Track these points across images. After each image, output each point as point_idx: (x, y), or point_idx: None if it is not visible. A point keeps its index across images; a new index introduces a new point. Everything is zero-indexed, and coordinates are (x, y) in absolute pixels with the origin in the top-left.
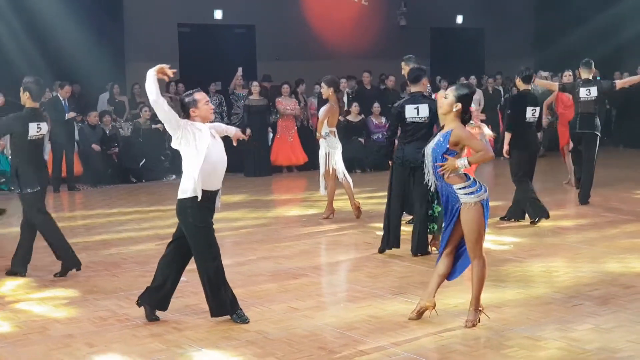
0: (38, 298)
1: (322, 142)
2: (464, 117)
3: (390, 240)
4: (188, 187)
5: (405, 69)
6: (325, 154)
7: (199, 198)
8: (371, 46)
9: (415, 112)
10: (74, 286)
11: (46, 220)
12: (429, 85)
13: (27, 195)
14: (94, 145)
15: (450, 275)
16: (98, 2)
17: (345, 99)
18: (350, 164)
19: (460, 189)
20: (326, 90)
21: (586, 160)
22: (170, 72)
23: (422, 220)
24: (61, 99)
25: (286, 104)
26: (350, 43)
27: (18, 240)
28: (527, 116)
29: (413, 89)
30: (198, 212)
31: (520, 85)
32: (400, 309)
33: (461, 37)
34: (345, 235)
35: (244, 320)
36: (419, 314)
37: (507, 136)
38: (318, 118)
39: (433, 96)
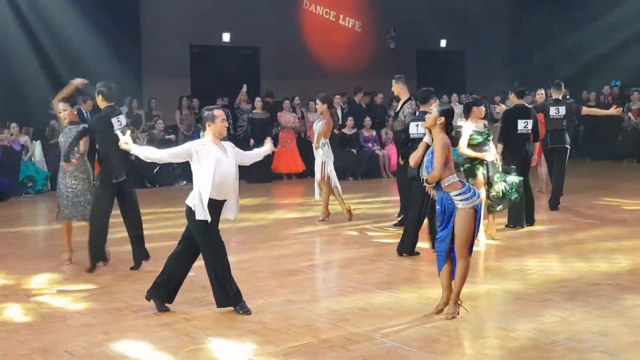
0: (60, 291)
1: (318, 152)
2: (448, 129)
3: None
4: (197, 204)
5: (395, 87)
6: (322, 162)
7: (208, 219)
8: (364, 67)
9: (416, 129)
10: (93, 280)
11: (105, 212)
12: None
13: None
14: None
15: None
16: (118, 25)
17: (339, 113)
18: (344, 173)
19: (456, 195)
20: (321, 106)
21: (557, 171)
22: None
23: (413, 223)
24: (84, 112)
25: (287, 117)
26: (345, 64)
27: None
28: (518, 128)
29: (422, 108)
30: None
31: (514, 100)
32: (387, 302)
33: (444, 59)
34: (338, 236)
35: (247, 311)
36: (442, 308)
37: (500, 147)
38: (314, 131)
39: None
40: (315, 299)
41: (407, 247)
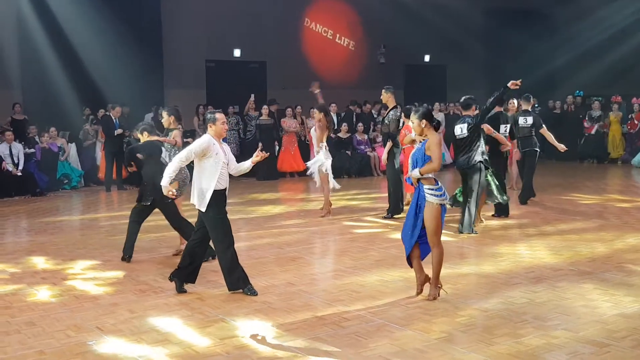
0: (92, 273)
1: (319, 154)
2: (435, 126)
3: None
4: (198, 196)
5: (384, 95)
6: (322, 162)
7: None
8: (357, 79)
9: (459, 130)
10: (120, 265)
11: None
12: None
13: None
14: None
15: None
16: (143, 41)
17: (335, 119)
18: (339, 172)
19: (428, 189)
20: (318, 115)
21: (527, 171)
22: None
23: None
24: (113, 118)
25: (289, 123)
26: (340, 76)
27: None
28: (500, 132)
29: (465, 112)
30: (216, 207)
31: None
32: (376, 285)
33: (428, 72)
34: (334, 227)
35: (253, 293)
36: (421, 289)
37: (486, 148)
38: (312, 136)
39: None
40: (313, 281)
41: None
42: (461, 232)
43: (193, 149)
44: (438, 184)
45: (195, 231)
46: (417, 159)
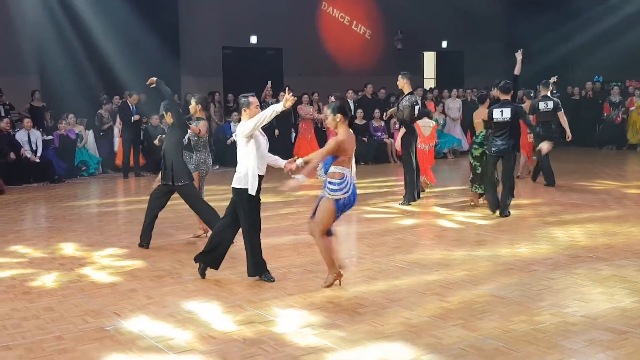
0: (110, 260)
1: None
2: (350, 120)
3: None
4: (247, 181)
5: (401, 81)
6: None
7: (255, 192)
8: (373, 65)
9: (500, 114)
10: (137, 251)
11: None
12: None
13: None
14: (155, 141)
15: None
16: (160, 29)
17: (351, 106)
18: (356, 158)
19: (329, 183)
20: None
21: (545, 157)
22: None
23: (509, 190)
24: (130, 105)
25: (306, 110)
26: (357, 63)
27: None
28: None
29: (503, 97)
30: (254, 199)
31: (497, 94)
32: (392, 271)
33: (445, 58)
34: (351, 213)
35: (270, 279)
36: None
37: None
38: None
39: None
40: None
41: (505, 209)
42: (493, 212)
43: (257, 120)
44: (343, 180)
45: (225, 216)
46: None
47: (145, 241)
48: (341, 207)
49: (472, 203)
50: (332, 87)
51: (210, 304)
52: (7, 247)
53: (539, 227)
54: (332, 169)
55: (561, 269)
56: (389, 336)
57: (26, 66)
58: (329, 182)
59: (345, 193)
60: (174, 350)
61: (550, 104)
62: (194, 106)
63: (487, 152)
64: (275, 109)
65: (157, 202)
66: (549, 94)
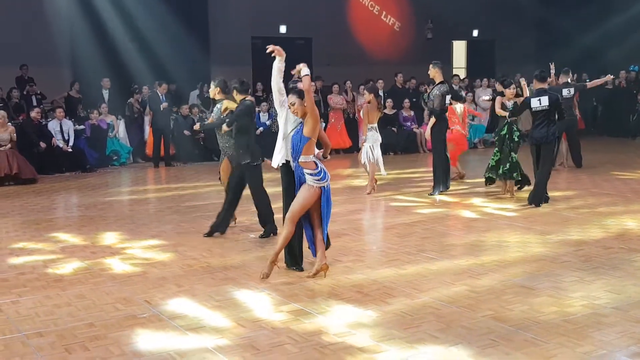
0: (141, 248)
1: (369, 136)
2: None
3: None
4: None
5: (432, 71)
6: (369, 146)
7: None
8: (404, 54)
9: (538, 103)
10: (168, 240)
11: (261, 188)
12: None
13: (254, 166)
14: (185, 131)
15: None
16: (190, 19)
17: (381, 93)
18: (385, 149)
19: (308, 173)
20: (368, 96)
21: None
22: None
23: (545, 177)
24: (159, 94)
25: (336, 100)
26: (387, 52)
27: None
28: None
29: (539, 85)
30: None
31: (499, 88)
32: (421, 261)
33: (476, 47)
34: (379, 204)
35: (300, 269)
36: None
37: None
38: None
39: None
40: (358, 258)
41: (537, 199)
42: (529, 203)
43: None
44: (318, 168)
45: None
46: (296, 141)
47: (220, 229)
48: (326, 193)
49: (509, 194)
50: (362, 77)
51: (239, 293)
52: (40, 235)
53: (571, 218)
54: (302, 158)
55: (593, 260)
56: (417, 327)
57: (58, 57)
58: (308, 173)
59: (326, 181)
60: (203, 337)
61: (572, 90)
62: (212, 90)
63: (522, 141)
64: (277, 66)
65: (235, 190)
66: (569, 80)
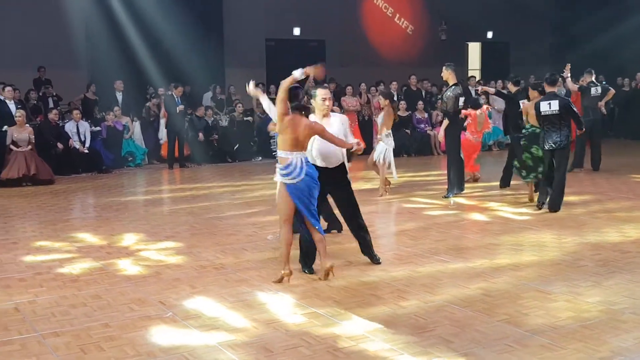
0: (155, 249)
1: (382, 141)
2: (302, 108)
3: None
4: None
5: (445, 72)
6: (384, 150)
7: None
8: (417, 56)
9: (547, 107)
10: (182, 241)
11: None
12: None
13: None
14: (200, 133)
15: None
16: (204, 22)
17: (395, 97)
18: (399, 150)
19: (280, 169)
20: (383, 101)
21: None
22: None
23: (562, 182)
24: (175, 96)
25: (349, 101)
26: (400, 54)
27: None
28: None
29: (550, 89)
30: None
31: (512, 88)
32: (435, 264)
33: (491, 49)
34: (393, 207)
35: (311, 271)
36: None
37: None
38: (377, 123)
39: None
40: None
41: (557, 205)
42: (547, 209)
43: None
44: (290, 165)
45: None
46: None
47: (336, 227)
48: (293, 191)
49: (529, 199)
50: (376, 79)
51: (253, 295)
52: (57, 236)
53: (588, 222)
54: (279, 152)
55: (610, 264)
56: (432, 330)
57: (75, 59)
58: (280, 168)
59: (293, 179)
60: (217, 338)
61: (599, 89)
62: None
63: (539, 147)
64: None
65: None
66: (593, 79)
